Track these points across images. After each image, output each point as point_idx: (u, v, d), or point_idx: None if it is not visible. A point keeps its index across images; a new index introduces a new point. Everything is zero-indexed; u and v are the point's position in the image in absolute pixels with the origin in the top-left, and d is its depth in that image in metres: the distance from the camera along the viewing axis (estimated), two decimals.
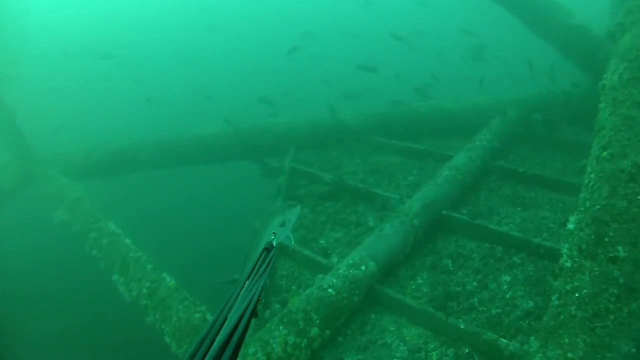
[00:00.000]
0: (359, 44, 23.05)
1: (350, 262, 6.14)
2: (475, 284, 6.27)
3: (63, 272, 8.82)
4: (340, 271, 6.00)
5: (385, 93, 13.32)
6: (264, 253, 1.96)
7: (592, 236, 3.80)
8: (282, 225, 4.57)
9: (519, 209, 7.80)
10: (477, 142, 9.18)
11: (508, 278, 6.28)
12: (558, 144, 9.82)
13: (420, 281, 6.47)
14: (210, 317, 5.91)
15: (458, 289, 6.21)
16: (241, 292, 1.63)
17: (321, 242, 7.64)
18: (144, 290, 6.65)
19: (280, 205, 4.88)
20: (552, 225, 7.17)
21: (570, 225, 4.07)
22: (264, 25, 29.41)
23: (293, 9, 32.87)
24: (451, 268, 6.63)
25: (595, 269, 3.66)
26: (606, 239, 3.72)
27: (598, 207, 3.90)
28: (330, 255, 7.19)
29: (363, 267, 6.08)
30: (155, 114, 15.97)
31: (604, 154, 4.14)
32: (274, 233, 2.33)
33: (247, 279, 1.73)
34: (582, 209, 4.07)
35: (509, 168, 8.79)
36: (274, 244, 2.05)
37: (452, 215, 7.45)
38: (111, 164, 11.09)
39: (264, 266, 1.84)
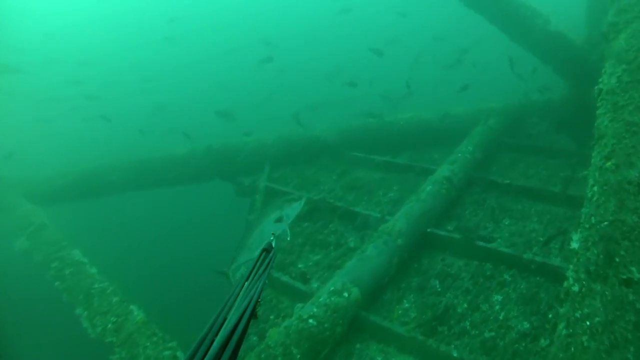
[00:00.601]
0: (332, 52, 22.86)
1: (332, 288, 5.69)
2: (465, 305, 5.90)
3: (23, 306, 8.31)
4: (321, 299, 5.55)
5: (359, 103, 13.08)
6: (263, 254, 1.94)
7: (601, 256, 3.40)
8: (278, 221, 4.21)
9: (506, 222, 7.44)
10: (460, 154, 8.83)
11: (500, 297, 5.94)
12: (540, 151, 9.51)
13: (407, 305, 6.06)
14: (180, 355, 5.49)
15: (448, 311, 5.81)
16: (240, 293, 1.60)
17: (299, 266, 7.19)
18: (110, 326, 6.19)
19: (279, 200, 4.52)
20: (541, 239, 6.83)
21: (575, 244, 3.67)
22: (235, 35, 28.97)
23: (267, 16, 32.58)
24: (439, 289, 6.24)
25: (606, 293, 3.26)
26: (617, 259, 3.33)
27: (605, 223, 3.50)
28: (309, 280, 6.75)
29: (345, 294, 5.63)
30: (117, 133, 15.54)
31: (608, 164, 3.76)
32: (273, 234, 2.09)
33: (247, 280, 1.71)
34: (586, 225, 3.66)
35: (494, 180, 8.44)
36: (273, 244, 2.03)
37: (437, 232, 7.07)
38: (81, 188, 10.75)
39: (263, 267, 1.82)
